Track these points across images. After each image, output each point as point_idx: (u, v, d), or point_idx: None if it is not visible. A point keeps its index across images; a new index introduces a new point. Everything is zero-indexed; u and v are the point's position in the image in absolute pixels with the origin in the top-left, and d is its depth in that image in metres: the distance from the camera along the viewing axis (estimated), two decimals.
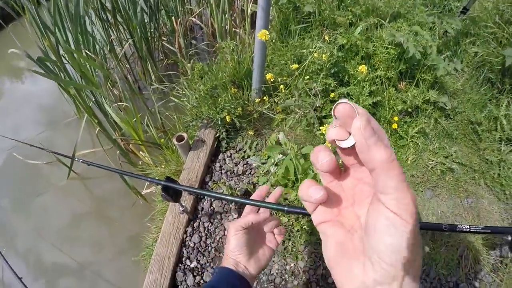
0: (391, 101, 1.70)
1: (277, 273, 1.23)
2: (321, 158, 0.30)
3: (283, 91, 1.33)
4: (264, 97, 1.37)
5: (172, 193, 1.05)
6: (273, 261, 1.25)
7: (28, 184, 2.42)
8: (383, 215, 0.25)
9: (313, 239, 1.29)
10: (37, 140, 2.47)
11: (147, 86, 2.08)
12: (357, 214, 0.31)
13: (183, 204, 1.17)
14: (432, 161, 1.66)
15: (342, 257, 0.29)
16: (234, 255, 0.61)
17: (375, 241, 0.26)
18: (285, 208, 1.02)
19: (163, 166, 1.49)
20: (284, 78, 1.51)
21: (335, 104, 0.27)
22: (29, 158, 2.45)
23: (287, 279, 1.23)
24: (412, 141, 1.68)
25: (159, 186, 1.51)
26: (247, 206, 0.69)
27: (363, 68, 1.47)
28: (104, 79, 1.94)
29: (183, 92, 1.51)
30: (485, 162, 1.71)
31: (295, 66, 1.36)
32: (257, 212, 0.71)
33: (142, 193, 1.80)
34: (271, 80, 1.26)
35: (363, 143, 0.25)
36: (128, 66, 2.35)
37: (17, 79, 3.60)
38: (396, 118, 1.66)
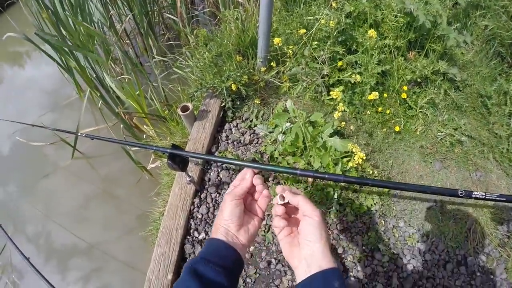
0: (400, 70, 1.63)
1: None
2: (277, 211, 0.65)
3: (292, 56, 1.25)
4: (272, 63, 1.29)
5: (178, 161, 0.99)
6: None
7: (34, 166, 2.38)
8: (306, 221, 0.60)
9: (324, 208, 1.24)
10: (39, 123, 2.42)
11: (150, 60, 1.99)
12: (297, 229, 0.64)
13: (190, 174, 1.11)
14: (441, 132, 1.59)
15: (291, 250, 0.60)
16: (226, 223, 0.62)
17: (304, 233, 0.60)
18: (298, 172, 0.97)
19: (168, 139, 1.43)
20: (290, 47, 1.43)
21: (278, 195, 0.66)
22: (32, 141, 2.39)
23: None
24: (421, 111, 1.62)
25: (165, 159, 1.45)
26: (237, 176, 0.70)
27: (372, 32, 1.39)
28: (105, 55, 1.85)
29: (186, 63, 1.43)
30: (494, 136, 1.65)
31: (302, 30, 1.28)
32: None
33: (147, 168, 1.74)
34: (279, 44, 1.18)
35: (291, 198, 0.64)
36: (128, 41, 2.25)
37: (17, 64, 3.51)
38: (405, 88, 1.58)
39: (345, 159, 1.18)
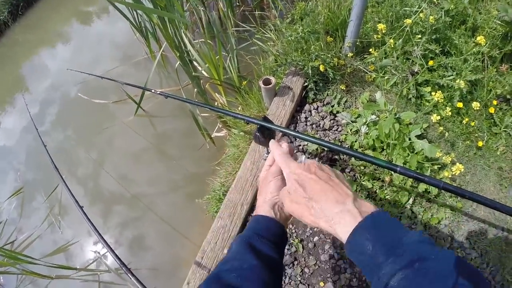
0: (491, 82, 1.37)
1: None
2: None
3: (391, 44, 1.05)
4: (371, 50, 1.09)
5: (267, 134, 0.83)
6: None
7: (95, 117, 2.34)
8: None
9: (396, 211, 1.06)
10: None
11: (229, 28, 1.83)
12: None
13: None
14: None
15: None
16: (273, 199, 0.58)
17: None
18: (398, 169, 0.79)
19: (239, 108, 1.28)
20: (377, 36, 1.22)
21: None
22: (95, 98, 2.31)
23: None
24: (505, 131, 1.36)
25: (234, 130, 1.32)
26: (269, 157, 0.67)
27: (481, 40, 1.14)
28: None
29: (268, 36, 1.26)
30: None
31: (408, 21, 1.06)
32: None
33: (211, 136, 1.61)
34: (383, 31, 0.98)
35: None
36: (203, 9, 2.10)
37: (87, 23, 3.48)
38: (495, 102, 1.33)
39: (435, 166, 0.99)
